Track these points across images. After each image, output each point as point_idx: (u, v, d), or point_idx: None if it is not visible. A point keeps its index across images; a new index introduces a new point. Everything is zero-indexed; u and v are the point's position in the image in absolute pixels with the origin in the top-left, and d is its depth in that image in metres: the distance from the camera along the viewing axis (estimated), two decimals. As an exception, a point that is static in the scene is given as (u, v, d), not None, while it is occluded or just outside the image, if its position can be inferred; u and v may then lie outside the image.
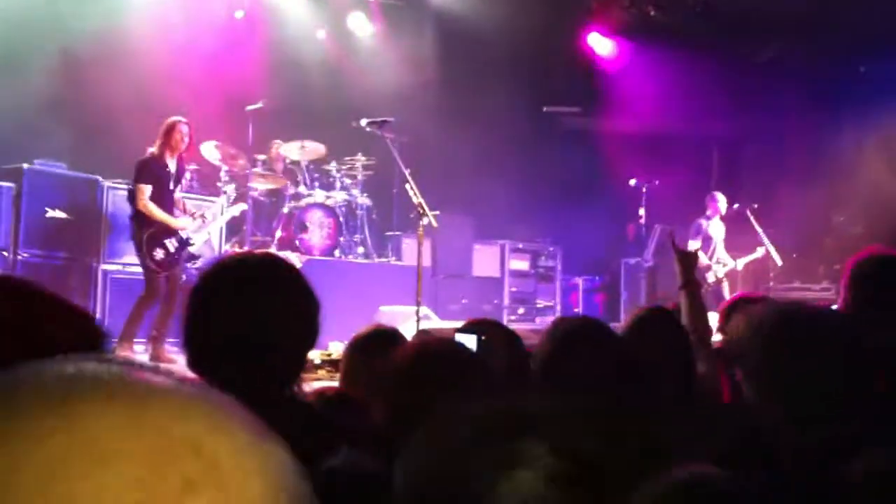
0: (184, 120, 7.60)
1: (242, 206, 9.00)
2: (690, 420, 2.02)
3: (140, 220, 7.37)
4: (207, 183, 9.71)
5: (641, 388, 2.18)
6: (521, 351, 2.57)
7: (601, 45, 12.84)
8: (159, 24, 10.05)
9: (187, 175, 8.38)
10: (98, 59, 9.26)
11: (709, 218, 10.24)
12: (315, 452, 1.30)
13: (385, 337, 2.74)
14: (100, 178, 8.26)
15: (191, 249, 7.93)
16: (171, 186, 7.54)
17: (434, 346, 2.06)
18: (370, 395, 2.20)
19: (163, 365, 0.47)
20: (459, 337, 2.51)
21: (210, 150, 9.62)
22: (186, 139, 7.57)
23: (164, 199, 7.43)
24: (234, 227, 9.31)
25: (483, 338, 2.46)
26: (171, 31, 10.13)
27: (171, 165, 7.54)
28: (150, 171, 7.38)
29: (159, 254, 7.37)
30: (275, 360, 1.73)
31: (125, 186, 8.46)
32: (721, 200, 10.21)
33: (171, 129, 7.49)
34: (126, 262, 8.42)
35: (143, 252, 7.35)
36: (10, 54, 8.38)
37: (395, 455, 0.94)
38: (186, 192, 9.23)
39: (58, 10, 9.04)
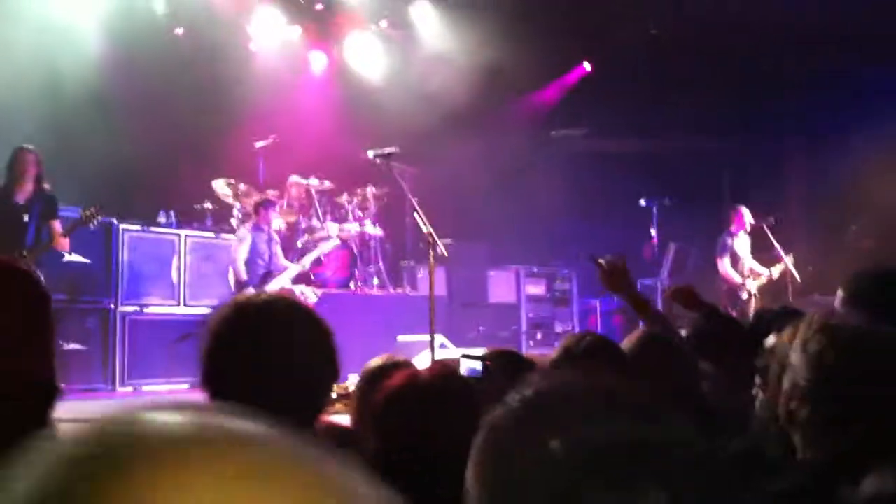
0: (29, 147, 7.23)
1: (335, 242, 9.24)
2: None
3: None
4: (221, 220, 9.78)
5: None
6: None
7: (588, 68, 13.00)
8: (173, 61, 10.11)
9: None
10: (102, 100, 9.29)
11: (733, 234, 10.15)
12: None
13: (395, 368, 2.74)
14: (114, 221, 8.31)
15: (276, 282, 8.44)
16: (25, 218, 7.11)
17: (423, 378, 2.04)
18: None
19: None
20: (464, 362, 2.55)
21: (222, 188, 9.71)
22: (31, 168, 7.14)
23: (8, 232, 7.03)
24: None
25: (487, 363, 2.49)
26: (185, 66, 10.18)
27: (20, 196, 7.16)
28: None
29: None
30: (297, 401, 1.71)
31: (139, 228, 8.54)
32: (746, 214, 10.12)
33: (13, 159, 7.18)
34: (143, 304, 8.46)
35: None
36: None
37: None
38: (199, 229, 9.32)
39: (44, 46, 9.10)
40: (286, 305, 1.83)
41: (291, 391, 1.70)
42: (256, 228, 8.73)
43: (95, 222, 7.29)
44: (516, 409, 0.85)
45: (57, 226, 7.21)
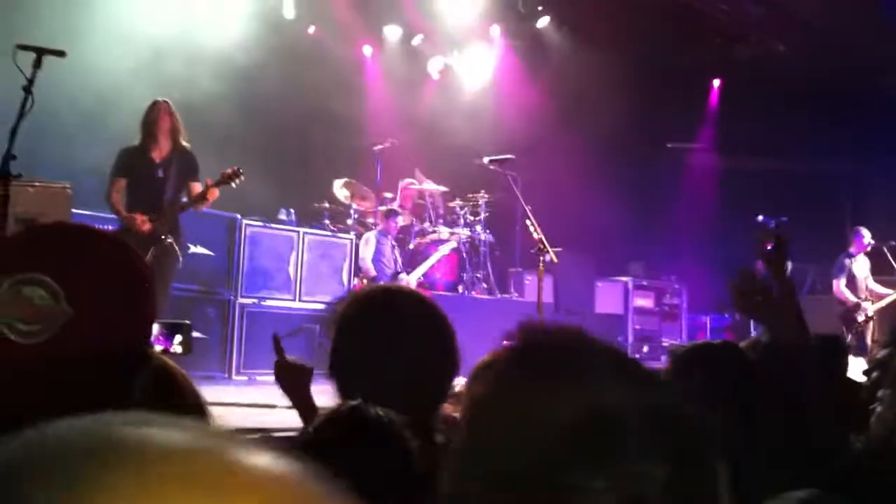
0: (160, 99, 6.67)
1: (452, 245, 9.65)
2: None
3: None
4: (337, 220, 10.11)
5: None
6: None
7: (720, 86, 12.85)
8: (299, 63, 10.48)
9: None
10: (232, 100, 9.70)
11: (852, 255, 9.93)
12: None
13: None
14: (238, 216, 8.68)
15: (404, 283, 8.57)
16: (161, 174, 6.55)
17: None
18: None
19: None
20: None
21: (340, 189, 10.04)
22: (164, 120, 6.54)
23: (144, 191, 6.50)
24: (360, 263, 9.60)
25: None
26: (300, 69, 10.53)
27: (156, 153, 6.58)
28: (125, 162, 6.53)
29: None
30: (417, 390, 1.75)
31: (260, 224, 8.89)
32: (866, 236, 9.90)
33: (146, 113, 6.58)
34: (261, 297, 8.82)
35: None
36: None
37: None
38: (317, 227, 9.63)
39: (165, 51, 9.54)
40: (409, 297, 1.89)
41: (412, 381, 1.73)
42: (382, 234, 9.33)
43: (238, 181, 6.65)
44: (520, 360, 0.80)
45: (197, 186, 6.63)
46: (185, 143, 6.67)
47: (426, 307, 1.88)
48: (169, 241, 6.43)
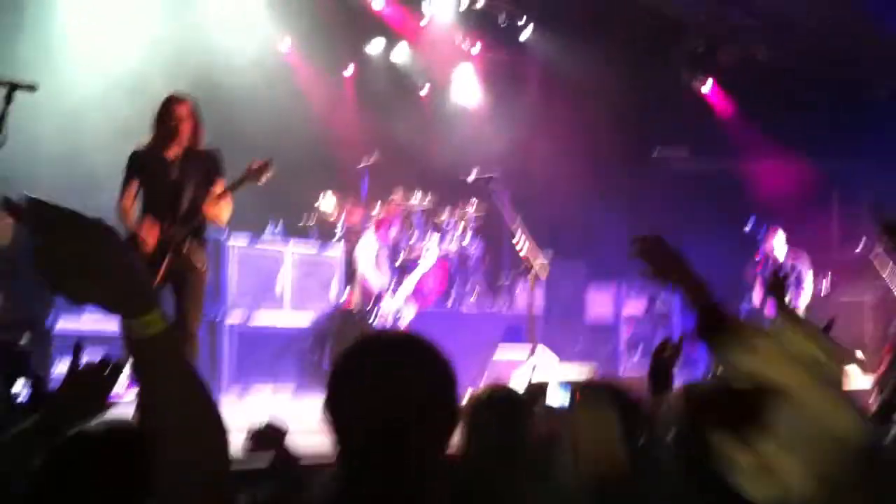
0: (181, 97, 5.76)
1: (436, 253, 9.62)
2: None
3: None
4: (324, 236, 10.03)
5: None
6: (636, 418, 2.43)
7: (711, 90, 12.84)
8: (270, 79, 10.42)
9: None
10: (217, 117, 9.61)
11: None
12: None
13: (500, 396, 2.73)
14: (222, 237, 8.59)
15: (395, 299, 8.63)
16: (177, 174, 5.64)
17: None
18: None
19: None
20: (552, 391, 2.53)
21: (326, 203, 9.97)
22: (186, 123, 5.66)
23: (158, 194, 5.61)
24: (351, 276, 9.50)
25: (577, 394, 2.44)
26: (282, 87, 10.47)
27: (170, 153, 5.68)
28: (136, 162, 5.67)
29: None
30: (420, 444, 1.65)
31: (245, 245, 8.81)
32: (779, 237, 9.71)
33: (163, 111, 5.67)
34: (248, 316, 8.73)
35: None
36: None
37: None
38: (303, 244, 9.54)
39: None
40: (413, 346, 1.79)
41: (408, 431, 1.63)
42: (379, 240, 9.18)
43: (267, 176, 5.83)
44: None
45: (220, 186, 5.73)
46: (202, 142, 5.82)
47: (428, 356, 1.76)
48: (185, 251, 5.54)
